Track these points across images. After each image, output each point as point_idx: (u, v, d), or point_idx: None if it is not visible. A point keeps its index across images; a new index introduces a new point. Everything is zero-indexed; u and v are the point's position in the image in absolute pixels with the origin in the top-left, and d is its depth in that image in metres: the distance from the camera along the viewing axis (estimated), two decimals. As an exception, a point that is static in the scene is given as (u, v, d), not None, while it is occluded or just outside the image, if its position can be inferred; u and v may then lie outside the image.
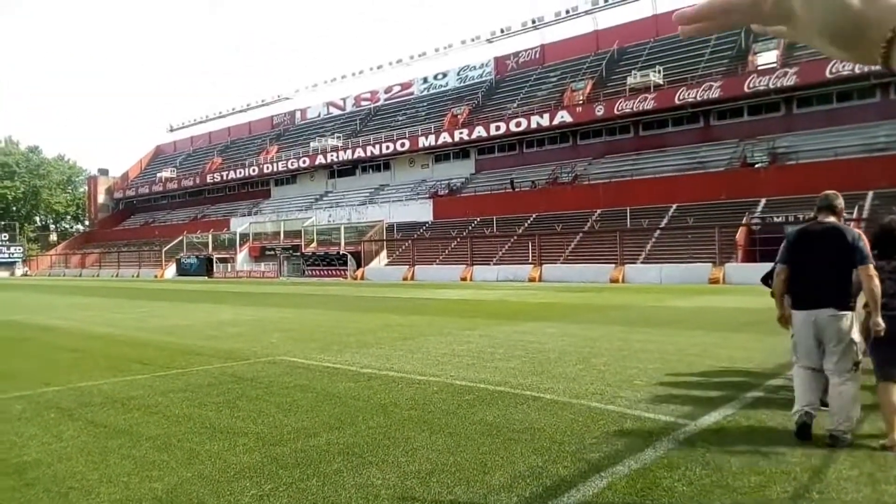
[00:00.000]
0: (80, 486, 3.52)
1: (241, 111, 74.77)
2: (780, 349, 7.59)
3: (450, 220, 43.63)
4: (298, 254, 45.89)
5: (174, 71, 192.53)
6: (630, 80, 41.20)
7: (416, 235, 42.96)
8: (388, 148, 52.28)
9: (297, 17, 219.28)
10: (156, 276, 52.94)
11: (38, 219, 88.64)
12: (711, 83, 37.25)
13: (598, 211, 37.11)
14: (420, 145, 50.35)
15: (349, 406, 5.41)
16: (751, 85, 35.68)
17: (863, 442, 4.19)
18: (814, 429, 4.31)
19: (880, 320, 4.17)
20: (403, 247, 42.30)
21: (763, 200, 31.65)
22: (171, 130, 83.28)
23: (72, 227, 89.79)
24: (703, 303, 16.36)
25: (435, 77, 59.50)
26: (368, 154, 53.85)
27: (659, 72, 40.95)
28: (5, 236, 72.76)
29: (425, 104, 57.65)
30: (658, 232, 33.08)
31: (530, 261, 34.35)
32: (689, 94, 37.80)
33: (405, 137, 51.40)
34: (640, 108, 39.56)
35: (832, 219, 4.45)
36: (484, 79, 55.93)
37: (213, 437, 4.49)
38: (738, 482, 3.46)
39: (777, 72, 35.04)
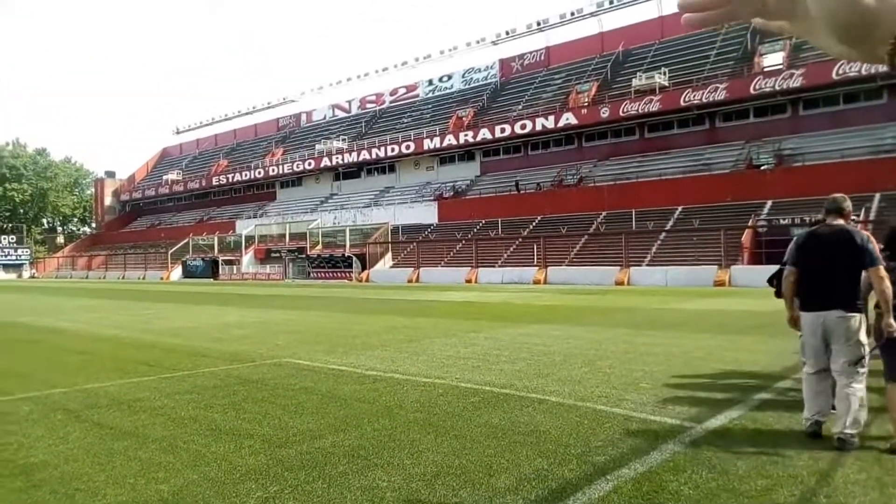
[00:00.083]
0: (86, 488, 3.53)
1: (246, 114, 75.07)
2: (786, 352, 7.56)
3: (455, 222, 43.64)
4: (304, 256, 45.97)
5: (180, 74, 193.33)
6: (635, 82, 41.14)
7: (421, 237, 42.99)
8: (393, 150, 52.35)
9: (298, 17, 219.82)
10: (162, 278, 53.12)
11: (45, 221, 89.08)
12: (717, 85, 37.16)
13: (604, 213, 37.06)
14: (425, 147, 50.39)
15: (354, 408, 5.41)
16: (757, 86, 35.58)
17: (870, 445, 4.17)
18: (822, 432, 4.31)
19: (892, 321, 4.16)
20: (408, 249, 42.33)
21: (769, 202, 31.55)
22: (177, 133, 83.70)
23: (79, 230, 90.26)
24: (709, 305, 16.31)
25: (440, 79, 59.57)
26: (374, 156, 53.93)
27: (664, 73, 40.87)
28: (13, 238, 73.15)
29: (430, 106, 57.72)
30: (663, 234, 33.01)
31: (535, 263, 34.31)
32: (694, 96, 37.72)
33: (410, 140, 51.46)
34: (646, 109, 39.49)
35: (840, 221, 4.46)
36: (489, 81, 55.96)
37: (218, 439, 4.50)
38: (744, 486, 3.45)
39: (783, 73, 34.93)
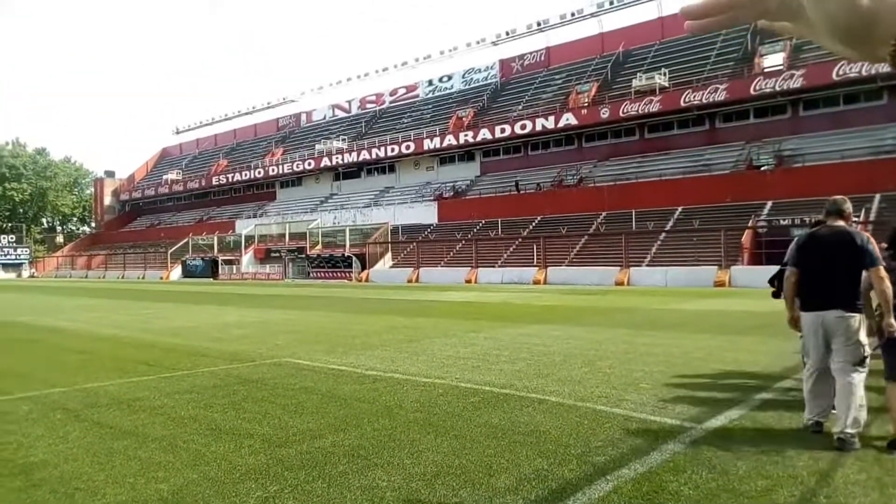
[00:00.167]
0: (86, 487, 3.53)
1: (246, 113, 75.07)
2: (786, 352, 7.56)
3: (455, 222, 43.65)
4: (303, 256, 45.97)
5: (180, 74, 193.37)
6: (635, 83, 41.15)
7: (420, 237, 43.00)
8: (393, 150, 52.36)
9: (298, 17, 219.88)
10: (161, 278, 53.12)
11: (44, 220, 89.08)
12: (717, 85, 37.17)
13: (604, 213, 37.07)
14: (425, 148, 50.39)
15: (354, 408, 5.41)
16: (757, 87, 35.59)
17: (870, 445, 4.17)
18: (823, 431, 4.32)
19: (893, 321, 4.19)
20: (408, 249, 42.34)
21: (769, 203, 31.55)
22: (177, 133, 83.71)
23: (78, 229, 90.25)
24: (709, 306, 16.31)
25: (440, 79, 59.59)
26: (373, 156, 53.94)
27: (664, 74, 40.89)
28: (12, 238, 73.14)
29: (430, 106, 57.73)
30: (663, 235, 33.02)
31: (535, 263, 34.32)
32: (694, 97, 37.73)
33: (410, 140, 51.47)
34: (646, 110, 39.51)
35: (840, 223, 4.50)
36: (489, 81, 55.97)
37: (218, 438, 4.50)
38: (744, 486, 3.44)
39: (783, 74, 34.95)
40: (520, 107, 48.76)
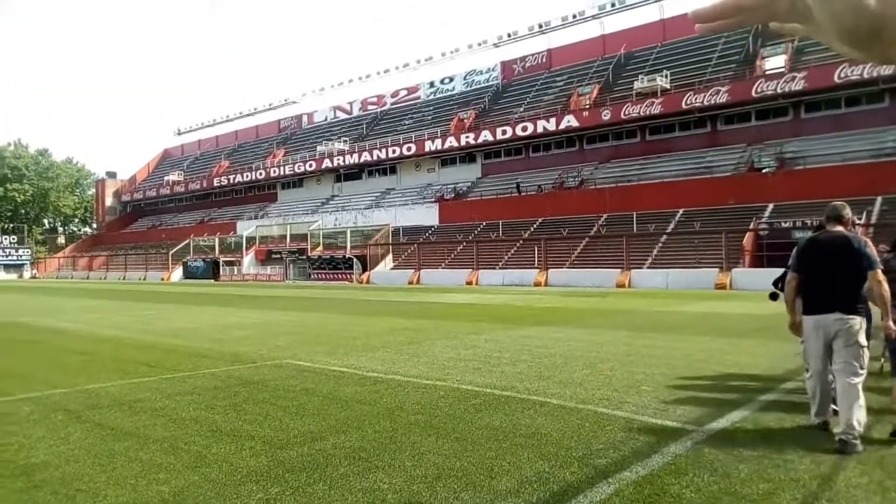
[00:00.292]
0: (87, 489, 3.53)
1: (248, 115, 75.13)
2: (787, 355, 7.56)
3: (456, 224, 43.65)
4: (304, 257, 45.98)
5: (181, 74, 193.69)
6: (637, 85, 41.16)
7: (421, 239, 43.01)
8: (394, 152, 52.38)
9: (298, 17, 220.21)
10: (162, 279, 53.15)
11: (46, 221, 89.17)
12: (719, 88, 37.18)
13: (605, 215, 37.06)
14: (426, 149, 50.41)
15: (355, 410, 5.40)
16: (759, 89, 35.58)
17: (872, 448, 4.16)
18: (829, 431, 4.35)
19: (892, 324, 4.35)
20: (409, 251, 42.35)
21: (770, 206, 31.53)
22: (179, 134, 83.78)
23: (80, 230, 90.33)
24: (710, 308, 16.30)
25: (441, 81, 59.63)
26: (375, 158, 53.97)
27: (666, 76, 40.89)
28: (14, 239, 73.20)
29: (432, 108, 57.76)
30: (664, 237, 33.00)
31: (536, 265, 34.31)
32: (696, 99, 37.73)
33: (411, 141, 51.49)
34: (647, 112, 39.51)
35: (839, 228, 4.60)
36: (490, 83, 56.00)
37: (219, 440, 4.50)
38: (746, 489, 3.44)
39: (785, 76, 34.94)
40: (521, 108, 48.77)
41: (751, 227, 30.07)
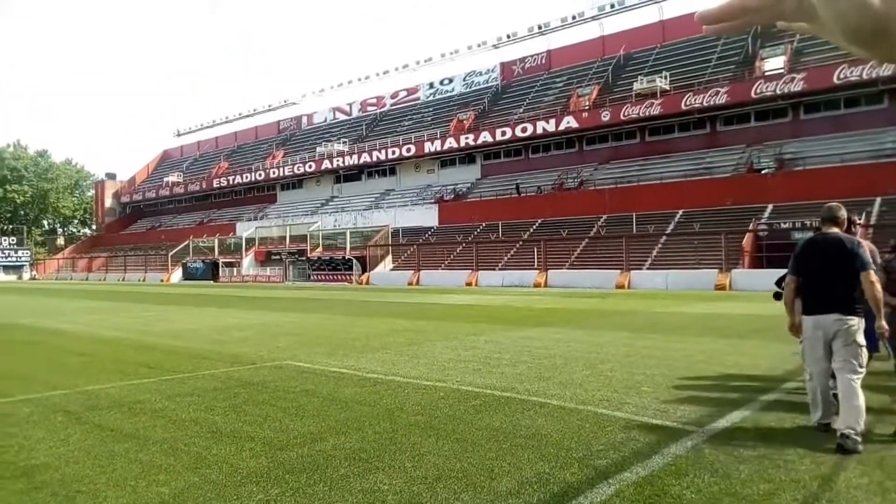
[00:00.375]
0: (87, 490, 3.53)
1: (247, 116, 75.16)
2: (788, 355, 7.56)
3: (455, 225, 43.66)
4: (304, 258, 45.97)
5: (180, 74, 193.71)
6: (636, 86, 41.20)
7: (421, 240, 43.02)
8: (393, 153, 52.40)
9: (298, 17, 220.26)
10: (162, 281, 53.12)
11: (45, 223, 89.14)
12: (718, 89, 37.21)
13: (604, 216, 37.08)
14: (426, 150, 50.43)
15: (355, 411, 5.40)
16: (758, 91, 35.62)
17: (872, 449, 4.16)
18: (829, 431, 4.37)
19: (884, 323, 4.44)
20: (409, 252, 42.35)
21: (770, 206, 31.55)
22: (179, 135, 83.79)
23: (79, 231, 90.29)
24: (710, 309, 16.30)
25: (441, 82, 59.66)
26: (374, 159, 53.99)
27: (665, 77, 40.93)
28: (13, 240, 73.16)
29: (431, 109, 57.79)
30: (664, 238, 33.02)
31: (536, 266, 34.32)
32: (695, 100, 37.76)
33: (411, 143, 51.51)
34: (647, 113, 39.54)
35: (835, 229, 4.68)
36: (490, 84, 56.03)
37: (219, 441, 4.50)
38: (746, 490, 3.44)
39: (784, 77, 34.98)
40: (521, 109, 48.80)
41: (750, 227, 30.09)
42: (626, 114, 40.25)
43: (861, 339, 4.45)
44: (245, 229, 55.20)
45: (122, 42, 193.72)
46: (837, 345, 4.45)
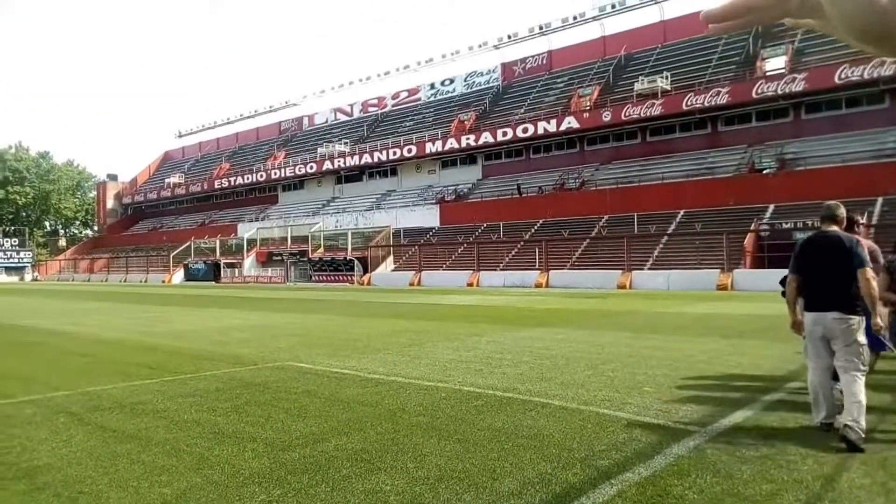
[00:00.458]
0: (89, 491, 3.53)
1: (248, 117, 75.25)
2: (789, 355, 7.56)
3: (456, 225, 43.66)
4: (305, 259, 46.00)
5: (181, 75, 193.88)
6: (637, 86, 41.19)
7: (422, 241, 43.02)
8: (395, 154, 52.42)
9: (297, 17, 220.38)
10: (163, 282, 53.18)
11: (47, 224, 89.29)
12: (719, 89, 37.19)
13: (606, 217, 37.06)
14: (427, 151, 50.44)
15: (357, 412, 5.40)
16: (759, 91, 35.59)
17: (875, 450, 4.15)
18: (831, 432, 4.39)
19: (879, 321, 4.53)
20: (410, 252, 42.36)
21: (771, 206, 31.53)
22: (180, 136, 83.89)
23: (81, 233, 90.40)
24: (712, 309, 16.28)
25: (442, 83, 59.68)
26: (375, 160, 54.01)
27: (666, 77, 40.92)
28: (15, 241, 73.27)
29: (432, 110, 57.81)
30: (665, 238, 33.00)
31: (537, 266, 34.30)
32: (696, 100, 37.74)
33: (412, 143, 51.53)
34: (648, 113, 39.53)
35: (834, 228, 4.70)
36: (491, 85, 56.04)
37: (221, 442, 4.50)
38: (749, 490, 3.43)
39: (785, 77, 34.95)
40: (522, 110, 48.80)
41: (752, 227, 30.07)
42: (627, 114, 40.25)
43: (862, 338, 4.46)
44: (246, 230, 55.25)
45: (122, 42, 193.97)
46: (839, 345, 4.47)
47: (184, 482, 3.65)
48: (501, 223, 40.90)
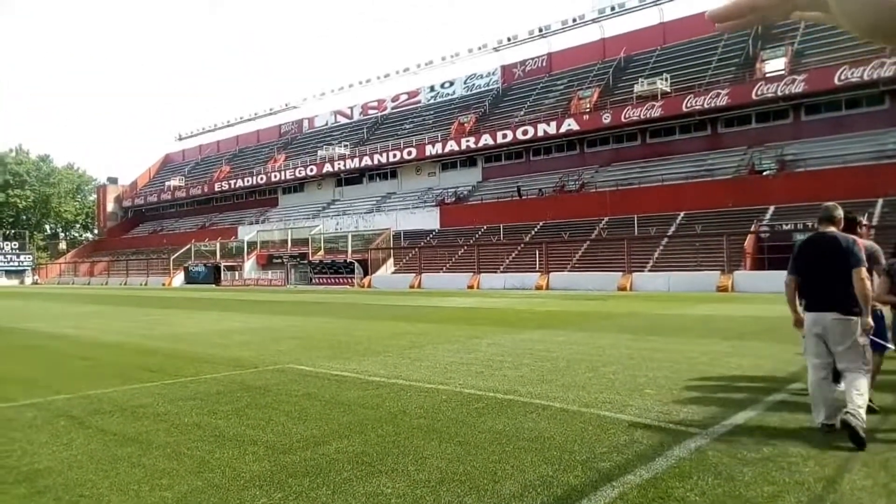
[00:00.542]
0: (90, 494, 3.53)
1: (248, 120, 75.30)
2: (790, 356, 7.55)
3: (457, 227, 43.68)
4: (306, 262, 46.01)
5: (180, 74, 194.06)
6: (637, 88, 41.23)
7: (422, 243, 43.02)
8: (395, 156, 52.46)
9: (297, 17, 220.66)
10: (164, 284, 53.18)
11: (47, 227, 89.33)
12: (719, 90, 37.22)
13: (606, 219, 37.06)
14: (427, 153, 50.48)
15: (358, 414, 5.40)
16: (759, 92, 35.62)
17: (877, 451, 4.15)
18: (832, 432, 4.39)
19: (870, 320, 4.52)
20: (410, 255, 42.36)
21: (771, 208, 31.54)
22: (180, 139, 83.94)
23: (81, 236, 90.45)
24: (712, 311, 16.28)
25: (442, 85, 59.73)
26: (375, 162, 54.04)
27: (666, 79, 40.95)
28: (15, 245, 73.31)
29: (432, 112, 57.85)
30: (666, 240, 33.00)
31: (537, 269, 34.30)
32: (696, 102, 37.76)
33: (412, 146, 51.56)
34: (648, 115, 39.55)
35: (832, 229, 4.74)
36: (491, 87, 56.09)
37: (222, 445, 4.49)
38: (750, 492, 3.43)
39: (785, 79, 34.98)
40: (521, 112, 48.83)
41: (752, 229, 30.07)
42: (626, 116, 40.27)
43: (861, 339, 4.49)
44: (247, 233, 55.26)
45: (122, 43, 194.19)
46: (840, 347, 4.49)
47: (185, 485, 3.65)
48: (501, 225, 40.90)
